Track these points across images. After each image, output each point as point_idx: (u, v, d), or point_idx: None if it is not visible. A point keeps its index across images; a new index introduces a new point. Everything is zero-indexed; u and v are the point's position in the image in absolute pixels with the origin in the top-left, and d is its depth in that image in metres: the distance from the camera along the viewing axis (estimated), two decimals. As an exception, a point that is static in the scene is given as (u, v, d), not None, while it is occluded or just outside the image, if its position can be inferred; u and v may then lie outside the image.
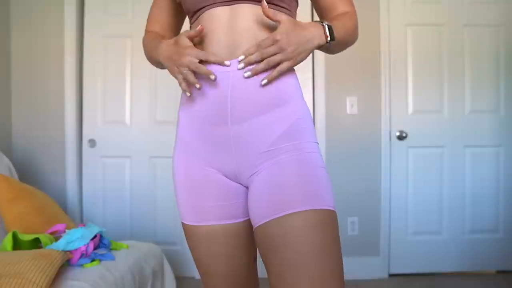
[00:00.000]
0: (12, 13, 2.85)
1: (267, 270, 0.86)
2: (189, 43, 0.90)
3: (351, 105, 2.85)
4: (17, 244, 1.76)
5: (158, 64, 1.04)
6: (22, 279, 1.35)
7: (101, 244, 1.91)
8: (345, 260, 2.95)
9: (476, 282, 2.76)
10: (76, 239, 1.75)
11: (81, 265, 1.70)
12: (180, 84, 0.92)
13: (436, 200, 2.88)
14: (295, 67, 0.96)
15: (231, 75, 0.90)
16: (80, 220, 2.89)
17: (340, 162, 2.84)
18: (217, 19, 0.92)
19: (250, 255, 1.02)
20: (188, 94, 0.92)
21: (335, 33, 0.91)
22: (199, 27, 0.91)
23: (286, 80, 0.93)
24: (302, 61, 0.90)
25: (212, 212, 0.97)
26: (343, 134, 2.85)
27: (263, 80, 0.89)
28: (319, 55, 2.82)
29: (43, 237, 1.77)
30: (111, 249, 1.96)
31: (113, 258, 1.82)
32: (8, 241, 1.72)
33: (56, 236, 1.90)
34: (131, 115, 2.91)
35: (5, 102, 2.80)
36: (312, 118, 2.82)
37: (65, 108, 2.84)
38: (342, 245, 2.82)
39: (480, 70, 2.88)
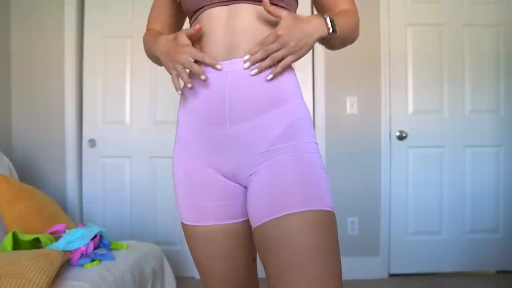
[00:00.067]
0: (12, 13, 2.85)
1: (265, 271, 0.86)
2: (187, 41, 0.91)
3: (351, 105, 2.85)
4: (17, 244, 1.76)
5: (157, 60, 1.04)
6: (22, 279, 1.35)
7: (101, 244, 1.91)
8: (345, 260, 2.96)
9: (476, 282, 2.76)
10: (76, 239, 1.75)
11: (81, 265, 1.70)
12: (173, 81, 0.93)
13: (436, 200, 2.88)
14: (295, 67, 0.96)
15: (230, 75, 0.90)
16: (80, 220, 2.89)
17: (340, 162, 2.84)
18: (216, 19, 0.92)
19: (249, 255, 1.02)
20: (180, 92, 0.93)
21: (337, 26, 0.91)
22: (197, 26, 0.91)
23: (285, 80, 0.93)
24: (305, 54, 0.90)
25: (211, 212, 0.97)
26: (343, 134, 2.85)
27: (268, 75, 0.89)
28: (319, 54, 2.82)
29: (43, 237, 1.77)
30: (111, 249, 1.96)
31: (113, 258, 1.82)
32: (8, 241, 1.72)
33: (56, 236, 1.90)
34: (131, 115, 2.91)
35: (5, 102, 2.80)
36: (312, 118, 2.82)
37: (65, 108, 2.84)
38: (342, 245, 2.82)
39: (480, 70, 2.88)
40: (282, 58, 0.88)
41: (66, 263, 1.68)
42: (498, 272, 2.92)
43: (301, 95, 0.96)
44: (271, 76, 0.89)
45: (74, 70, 2.84)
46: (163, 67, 1.01)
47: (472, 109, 2.89)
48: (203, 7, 0.94)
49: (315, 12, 1.12)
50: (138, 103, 2.91)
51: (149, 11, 1.17)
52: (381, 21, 2.84)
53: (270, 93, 0.90)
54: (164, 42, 0.96)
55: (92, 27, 2.88)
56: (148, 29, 1.14)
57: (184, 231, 1.02)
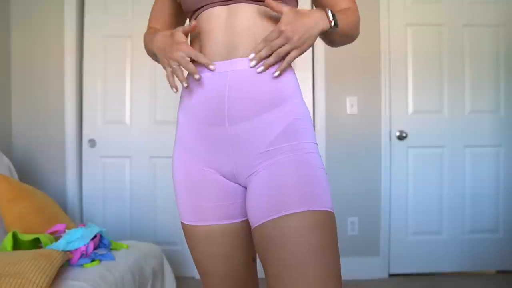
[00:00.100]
0: (12, 13, 2.85)
1: (264, 271, 0.86)
2: (183, 38, 0.92)
3: (351, 105, 2.85)
4: (17, 244, 1.76)
5: (155, 56, 1.04)
6: (22, 279, 1.35)
7: (101, 244, 1.91)
8: (345, 260, 2.95)
9: (476, 282, 2.76)
10: (76, 239, 1.75)
11: (81, 265, 1.70)
12: (167, 78, 0.93)
13: (436, 200, 2.88)
14: (295, 67, 0.96)
15: (229, 75, 0.90)
16: (80, 220, 2.89)
17: (340, 162, 2.84)
18: (215, 19, 0.92)
19: (249, 255, 1.02)
20: (175, 90, 0.93)
21: (338, 21, 0.91)
22: (193, 23, 0.92)
23: (285, 80, 0.93)
24: (309, 47, 0.89)
25: (211, 212, 0.97)
26: (343, 134, 2.85)
27: (274, 72, 0.90)
28: (319, 55, 2.82)
29: (43, 237, 1.77)
30: (111, 249, 1.96)
31: (113, 258, 1.82)
32: (8, 241, 1.72)
33: (56, 236, 1.90)
34: (131, 115, 2.91)
35: (5, 102, 2.80)
36: (312, 118, 2.83)
37: (65, 108, 2.84)
38: (342, 245, 2.82)
39: (480, 70, 2.88)
40: (287, 54, 0.88)
41: (66, 263, 1.68)
42: (498, 272, 2.92)
43: (301, 95, 0.96)
44: (277, 73, 0.90)
45: (74, 70, 2.84)
46: (163, 68, 1.01)
47: (472, 109, 2.89)
48: (203, 6, 0.94)
49: None
50: (138, 103, 2.91)
51: (149, 11, 1.17)
52: (381, 21, 2.84)
53: (269, 93, 0.90)
54: (160, 39, 0.96)
55: (92, 27, 2.88)
56: (149, 28, 1.15)
57: (184, 231, 1.02)
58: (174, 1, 1.10)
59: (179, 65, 0.91)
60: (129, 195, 2.91)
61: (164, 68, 0.95)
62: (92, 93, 2.90)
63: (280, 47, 0.87)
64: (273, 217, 0.84)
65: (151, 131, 2.90)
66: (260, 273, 1.10)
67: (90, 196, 2.91)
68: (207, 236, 0.98)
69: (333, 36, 0.96)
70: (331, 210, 0.87)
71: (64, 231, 1.87)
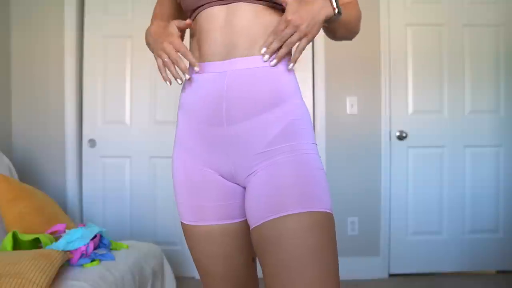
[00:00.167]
0: (12, 13, 2.85)
1: (262, 271, 0.86)
2: (175, 31, 0.93)
3: (351, 105, 2.85)
4: (17, 244, 1.76)
5: (151, 46, 1.04)
6: (22, 279, 1.35)
7: (101, 244, 1.91)
8: (345, 260, 2.96)
9: (476, 282, 2.76)
10: (76, 239, 1.75)
11: (81, 265, 1.70)
12: (159, 70, 0.95)
13: (436, 200, 2.88)
14: (295, 68, 0.96)
15: (228, 75, 0.90)
16: (80, 220, 2.89)
17: (340, 162, 2.84)
18: (214, 18, 0.92)
19: (248, 255, 1.02)
20: (169, 83, 0.95)
21: (342, 10, 0.92)
22: (187, 21, 0.94)
23: (284, 80, 0.92)
24: (316, 34, 0.89)
25: (211, 212, 0.97)
26: (343, 134, 2.85)
27: (289, 65, 0.91)
28: (319, 55, 2.82)
29: (43, 237, 1.77)
30: (111, 249, 1.96)
31: (113, 258, 1.82)
32: (8, 241, 1.72)
33: (56, 236, 1.90)
34: (131, 115, 2.91)
35: (5, 102, 2.81)
36: (312, 118, 2.83)
37: (65, 108, 2.84)
38: (342, 245, 2.82)
39: (480, 70, 2.88)
40: (295, 43, 0.89)
41: (66, 263, 1.68)
42: (498, 272, 2.92)
43: (301, 96, 0.95)
44: (292, 65, 0.91)
45: (74, 70, 2.84)
46: None
47: (472, 109, 2.89)
48: (202, 5, 0.94)
49: None
50: (138, 103, 2.91)
51: (149, 11, 1.18)
52: (381, 21, 2.84)
53: (269, 93, 0.90)
54: (154, 28, 0.98)
55: (92, 27, 2.88)
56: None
57: (183, 231, 1.02)
58: (174, 1, 1.10)
59: (170, 59, 0.92)
60: (129, 195, 2.91)
61: (155, 58, 0.96)
62: (92, 93, 2.90)
63: (289, 37, 0.87)
64: (271, 218, 0.84)
65: (151, 131, 2.90)
66: (260, 273, 1.10)
67: (90, 196, 2.91)
68: (207, 236, 0.97)
69: (336, 26, 0.96)
70: (330, 211, 0.86)
71: (64, 231, 1.87)
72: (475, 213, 2.89)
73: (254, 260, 1.05)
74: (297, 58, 0.90)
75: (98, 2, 2.87)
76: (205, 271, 1.02)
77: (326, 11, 0.88)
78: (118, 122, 2.91)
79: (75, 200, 2.87)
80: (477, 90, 2.88)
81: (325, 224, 0.84)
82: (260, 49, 0.90)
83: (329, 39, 1.08)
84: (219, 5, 0.92)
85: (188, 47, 0.98)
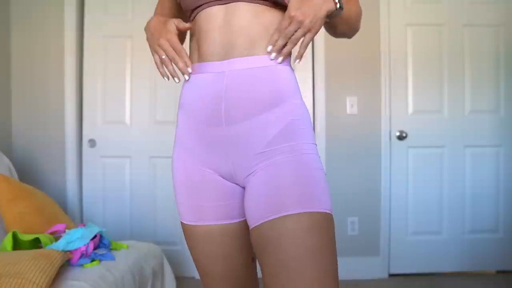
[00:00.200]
0: (12, 13, 2.85)
1: (261, 270, 0.86)
2: (173, 29, 0.94)
3: (351, 105, 2.85)
4: (17, 244, 1.76)
5: (149, 41, 1.05)
6: (22, 279, 1.35)
7: (101, 244, 1.91)
8: (345, 260, 2.95)
9: (476, 282, 2.76)
10: (76, 239, 1.75)
11: (81, 265, 1.70)
12: (157, 66, 0.96)
13: (436, 200, 2.88)
14: (295, 68, 0.96)
15: (226, 75, 0.90)
16: (80, 220, 2.89)
17: (340, 162, 2.84)
18: (213, 18, 0.92)
19: (248, 255, 1.02)
20: (167, 79, 0.97)
21: (343, 5, 0.92)
22: (187, 25, 0.94)
23: (284, 80, 0.92)
24: (320, 29, 0.89)
25: (210, 212, 0.97)
26: (343, 134, 2.85)
27: (295, 60, 0.91)
28: (319, 55, 2.82)
29: (43, 237, 1.77)
30: (111, 249, 1.96)
31: (113, 258, 1.82)
32: (8, 241, 1.72)
33: (56, 236, 1.90)
34: (131, 115, 2.91)
35: (5, 102, 2.81)
36: (312, 118, 2.83)
37: (65, 108, 2.84)
38: (342, 245, 2.82)
39: (480, 70, 2.88)
40: (299, 38, 0.89)
41: (66, 263, 1.68)
42: (498, 272, 2.92)
43: (300, 96, 0.95)
44: (298, 60, 0.91)
45: (74, 70, 2.84)
46: None
47: (472, 109, 2.89)
48: (201, 5, 0.94)
49: None
50: (138, 103, 2.91)
51: (149, 11, 1.18)
52: (381, 21, 2.84)
53: (268, 93, 0.90)
54: (153, 23, 0.99)
55: (92, 27, 2.88)
56: None
57: (183, 231, 1.02)
58: (174, 1, 1.10)
59: (167, 56, 0.94)
60: (129, 195, 2.91)
61: (152, 53, 0.97)
62: (92, 93, 2.90)
63: (294, 33, 0.87)
64: (270, 218, 0.84)
65: (151, 131, 2.90)
66: (260, 273, 1.10)
67: (90, 196, 2.91)
68: (207, 236, 0.97)
69: (338, 21, 0.96)
70: (329, 212, 0.86)
71: (64, 231, 1.87)
72: (475, 213, 2.89)
73: (253, 260, 1.05)
74: (303, 53, 0.90)
75: (98, 2, 2.87)
76: (205, 271, 1.02)
77: (328, 6, 0.88)
78: (118, 122, 2.91)
79: (75, 200, 2.87)
80: (477, 90, 2.88)
81: (324, 225, 0.84)
82: (260, 48, 0.90)
83: (329, 39, 1.09)
84: (218, 5, 0.92)
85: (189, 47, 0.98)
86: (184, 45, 1.02)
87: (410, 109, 2.88)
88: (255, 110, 0.90)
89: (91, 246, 1.77)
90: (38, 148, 2.86)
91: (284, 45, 0.89)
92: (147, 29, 1.01)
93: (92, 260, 1.75)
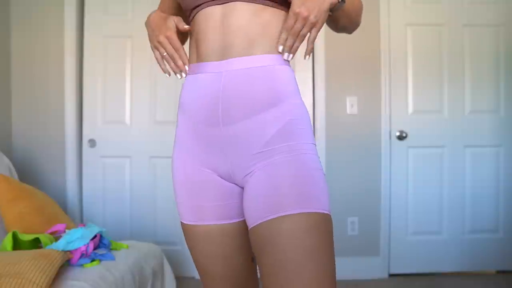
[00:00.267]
0: (12, 13, 2.85)
1: (259, 270, 0.86)
2: (173, 26, 0.95)
3: (351, 105, 2.85)
4: (17, 244, 1.76)
5: (149, 36, 1.07)
6: (22, 279, 1.35)
7: (101, 244, 1.91)
8: (345, 260, 2.95)
9: (476, 282, 2.76)
10: (76, 239, 1.75)
11: (81, 265, 1.71)
12: (157, 60, 0.98)
13: (436, 200, 2.88)
14: (294, 68, 0.96)
15: (224, 76, 0.90)
16: (80, 220, 2.89)
17: (340, 162, 2.84)
18: (211, 18, 0.92)
19: (248, 256, 1.02)
20: (168, 75, 1.00)
21: None
22: (186, 27, 0.95)
23: (282, 79, 0.92)
24: (323, 24, 0.90)
25: (210, 212, 0.97)
26: (343, 134, 2.85)
27: (305, 56, 0.92)
28: (319, 55, 2.82)
29: (43, 237, 1.77)
30: (111, 249, 1.96)
31: (113, 258, 1.82)
32: (8, 241, 1.72)
33: (56, 236, 1.90)
34: (131, 115, 2.91)
35: (5, 102, 2.81)
36: (312, 118, 2.83)
37: (65, 108, 2.84)
38: (342, 245, 2.82)
39: (480, 70, 2.88)
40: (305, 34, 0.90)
41: (66, 263, 1.68)
42: (498, 272, 2.92)
43: (299, 96, 0.95)
44: (307, 56, 0.92)
45: (74, 70, 2.84)
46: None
47: (472, 109, 2.89)
48: (200, 5, 0.94)
49: None
50: (138, 103, 2.91)
51: (149, 11, 1.17)
52: (381, 21, 2.84)
53: (266, 92, 0.90)
54: (153, 19, 1.00)
55: (92, 27, 2.88)
56: None
57: (183, 231, 1.02)
58: (174, 1, 1.10)
59: (167, 53, 0.95)
60: (129, 195, 2.91)
61: (152, 49, 0.99)
62: (92, 93, 2.90)
63: (300, 30, 0.88)
64: (269, 218, 0.84)
65: (151, 131, 2.90)
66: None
67: (90, 196, 2.91)
68: (206, 236, 0.97)
69: (340, 14, 0.96)
70: (328, 212, 0.86)
71: (64, 231, 1.87)
72: (475, 213, 2.89)
73: (253, 261, 1.05)
74: (311, 49, 0.91)
75: (98, 2, 2.87)
76: (205, 271, 1.02)
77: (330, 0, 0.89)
78: (118, 122, 2.91)
79: (75, 200, 2.87)
80: (477, 90, 2.88)
81: (322, 225, 0.84)
82: (258, 48, 0.90)
83: (329, 39, 1.09)
84: (216, 5, 0.92)
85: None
86: (184, 45, 1.02)
87: (410, 109, 2.88)
88: (253, 110, 0.89)
89: (91, 246, 1.78)
90: (38, 148, 2.86)
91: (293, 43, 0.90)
92: (147, 24, 1.02)
93: (92, 260, 1.75)
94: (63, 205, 2.82)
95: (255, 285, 1.08)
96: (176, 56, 0.94)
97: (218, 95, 0.90)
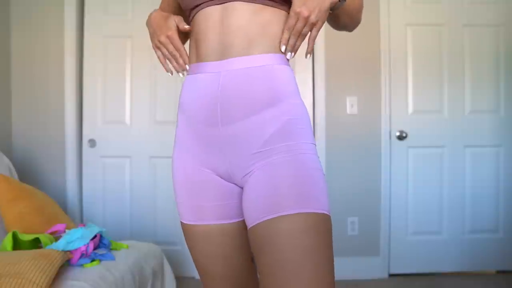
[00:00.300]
0: (12, 13, 2.85)
1: (258, 271, 0.86)
2: (174, 27, 0.97)
3: (351, 105, 2.85)
4: (17, 244, 1.76)
5: (150, 35, 1.09)
6: (22, 279, 1.35)
7: (101, 244, 1.91)
8: (345, 260, 2.95)
9: (476, 282, 2.76)
10: (76, 239, 1.75)
11: (81, 265, 1.71)
12: (159, 60, 1.01)
13: (436, 200, 2.88)
14: (294, 68, 0.97)
15: (222, 76, 0.90)
16: (80, 220, 2.89)
17: (340, 162, 2.84)
18: (210, 18, 0.93)
19: (247, 256, 1.02)
20: (170, 74, 1.02)
21: None
22: (186, 27, 0.96)
23: (281, 79, 0.92)
24: (323, 23, 0.91)
25: (210, 212, 0.97)
26: (343, 134, 2.85)
27: (306, 55, 0.93)
28: (319, 55, 2.82)
29: (43, 237, 1.77)
30: (111, 249, 1.96)
31: (113, 258, 1.82)
32: (8, 241, 1.72)
33: (56, 236, 1.90)
34: (131, 115, 2.91)
35: (5, 102, 2.81)
36: (312, 118, 2.83)
37: (65, 108, 2.84)
38: (342, 245, 2.82)
39: (480, 70, 2.88)
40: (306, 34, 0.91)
41: (66, 263, 1.68)
42: (498, 272, 2.92)
43: (299, 95, 0.95)
44: (309, 55, 0.93)
45: (74, 70, 2.84)
46: (163, 68, 1.04)
47: (472, 109, 2.89)
48: (199, 5, 0.94)
49: None
50: (138, 103, 2.91)
51: (149, 11, 1.17)
52: (381, 21, 2.84)
53: (265, 92, 0.90)
54: (154, 18, 1.01)
55: (92, 27, 2.88)
56: None
57: (183, 231, 1.02)
58: (175, 1, 1.10)
59: (169, 53, 0.97)
60: (129, 195, 2.91)
61: (154, 49, 1.01)
62: (92, 93, 2.90)
63: (302, 30, 0.89)
64: (267, 218, 0.83)
65: (151, 131, 2.90)
66: (260, 273, 1.10)
67: (90, 196, 2.91)
68: (206, 235, 0.97)
69: (340, 12, 0.97)
70: (327, 213, 0.86)
71: (64, 231, 1.87)
72: (475, 213, 2.89)
73: (253, 261, 1.05)
74: (312, 47, 0.92)
75: (98, 2, 2.87)
76: (205, 271, 1.02)
77: None
78: (118, 122, 2.91)
79: (75, 200, 2.87)
80: (477, 90, 2.88)
81: (321, 226, 0.84)
82: (258, 48, 0.90)
83: (329, 39, 1.09)
84: (215, 5, 0.92)
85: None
86: (185, 45, 1.03)
87: (410, 109, 2.88)
88: (251, 109, 0.89)
89: (91, 246, 1.78)
90: (38, 148, 2.86)
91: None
92: (148, 23, 1.03)
93: (92, 260, 1.75)
94: (63, 205, 2.82)
95: (255, 285, 1.08)
96: (177, 55, 0.96)
97: (217, 95, 0.90)
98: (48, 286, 1.41)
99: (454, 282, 2.76)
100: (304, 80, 2.84)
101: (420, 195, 2.88)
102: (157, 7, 1.17)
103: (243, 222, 0.97)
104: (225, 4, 0.91)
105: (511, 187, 2.89)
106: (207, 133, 0.93)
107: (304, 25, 0.88)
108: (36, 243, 1.80)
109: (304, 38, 0.90)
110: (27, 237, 1.76)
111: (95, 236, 1.85)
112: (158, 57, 1.00)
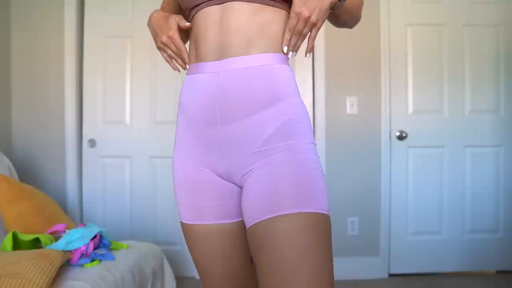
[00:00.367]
0: (12, 13, 2.85)
1: (257, 270, 0.86)
2: (175, 26, 0.98)
3: (351, 105, 2.85)
4: (17, 244, 1.76)
5: (152, 35, 1.11)
6: (22, 279, 1.35)
7: (101, 244, 1.91)
8: (345, 260, 2.95)
9: (476, 282, 2.76)
10: (76, 239, 1.75)
11: (81, 265, 1.71)
12: (166, 60, 1.04)
13: (436, 200, 2.88)
14: (294, 68, 0.97)
15: (221, 75, 0.90)
16: (80, 220, 2.89)
17: (340, 162, 2.84)
18: (210, 18, 0.93)
19: (247, 255, 1.02)
20: (178, 72, 1.06)
21: None
22: (187, 24, 0.97)
23: (280, 79, 0.92)
24: (323, 22, 0.91)
25: (209, 212, 0.97)
26: (343, 134, 2.85)
27: (306, 54, 0.95)
28: (319, 55, 2.82)
29: (43, 237, 1.77)
30: (111, 249, 1.96)
31: (113, 258, 1.82)
32: (8, 241, 1.72)
33: (56, 236, 1.90)
34: (131, 115, 2.91)
35: (5, 102, 2.81)
36: (312, 118, 2.83)
37: (65, 108, 2.84)
38: (342, 245, 2.82)
39: (480, 70, 2.88)
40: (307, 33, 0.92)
41: (66, 263, 1.68)
42: (498, 272, 2.92)
43: (299, 95, 0.94)
44: (308, 54, 0.95)
45: (74, 70, 2.84)
46: (163, 68, 1.05)
47: (472, 109, 2.89)
48: (199, 5, 0.94)
49: None
50: (138, 103, 2.91)
51: (149, 11, 1.17)
52: (381, 21, 2.84)
53: (265, 92, 0.90)
54: (155, 18, 1.03)
55: (92, 27, 2.88)
56: None
57: (183, 231, 1.02)
58: (175, 0, 1.11)
59: (172, 52, 1.00)
60: (129, 195, 2.91)
61: (158, 49, 1.03)
62: (92, 93, 2.90)
63: (303, 30, 0.89)
64: (266, 217, 0.83)
65: (151, 131, 2.90)
66: (260, 273, 1.10)
67: (90, 196, 2.91)
68: (206, 235, 0.97)
69: (340, 11, 0.97)
70: (327, 213, 0.85)
71: (64, 231, 1.87)
72: (475, 213, 2.89)
73: (252, 261, 1.05)
74: (312, 46, 0.93)
75: (98, 2, 2.87)
76: (204, 271, 1.02)
77: None
78: (118, 122, 2.91)
79: (75, 200, 2.87)
80: (477, 90, 2.88)
81: (320, 225, 0.83)
82: (257, 48, 0.90)
83: (329, 39, 1.09)
84: (214, 4, 0.92)
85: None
86: (186, 44, 1.04)
87: (410, 109, 2.88)
88: (251, 109, 0.89)
89: (91, 246, 1.78)
90: (38, 148, 2.86)
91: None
92: (149, 24, 1.04)
93: (92, 260, 1.75)
94: (63, 205, 2.82)
95: (255, 285, 1.08)
96: (178, 55, 0.99)
97: (216, 95, 0.90)
98: (48, 286, 1.41)
99: (454, 282, 2.76)
100: (304, 80, 2.84)
101: (420, 195, 2.88)
102: (157, 7, 1.17)
103: (243, 222, 0.97)
104: (224, 4, 0.91)
105: (511, 187, 2.89)
106: (206, 133, 0.93)
107: (305, 26, 0.88)
108: (36, 243, 1.80)
109: (304, 38, 0.91)
110: (27, 237, 1.76)
111: (95, 236, 1.85)
112: (164, 58, 1.04)
